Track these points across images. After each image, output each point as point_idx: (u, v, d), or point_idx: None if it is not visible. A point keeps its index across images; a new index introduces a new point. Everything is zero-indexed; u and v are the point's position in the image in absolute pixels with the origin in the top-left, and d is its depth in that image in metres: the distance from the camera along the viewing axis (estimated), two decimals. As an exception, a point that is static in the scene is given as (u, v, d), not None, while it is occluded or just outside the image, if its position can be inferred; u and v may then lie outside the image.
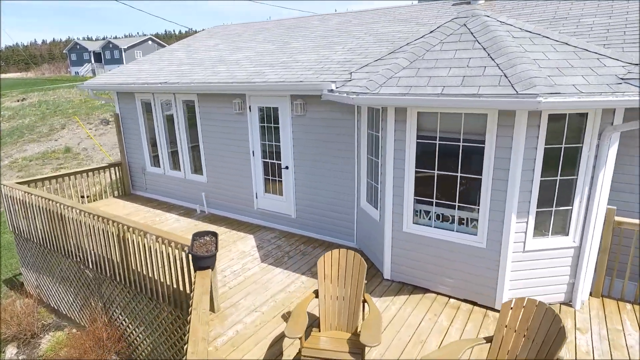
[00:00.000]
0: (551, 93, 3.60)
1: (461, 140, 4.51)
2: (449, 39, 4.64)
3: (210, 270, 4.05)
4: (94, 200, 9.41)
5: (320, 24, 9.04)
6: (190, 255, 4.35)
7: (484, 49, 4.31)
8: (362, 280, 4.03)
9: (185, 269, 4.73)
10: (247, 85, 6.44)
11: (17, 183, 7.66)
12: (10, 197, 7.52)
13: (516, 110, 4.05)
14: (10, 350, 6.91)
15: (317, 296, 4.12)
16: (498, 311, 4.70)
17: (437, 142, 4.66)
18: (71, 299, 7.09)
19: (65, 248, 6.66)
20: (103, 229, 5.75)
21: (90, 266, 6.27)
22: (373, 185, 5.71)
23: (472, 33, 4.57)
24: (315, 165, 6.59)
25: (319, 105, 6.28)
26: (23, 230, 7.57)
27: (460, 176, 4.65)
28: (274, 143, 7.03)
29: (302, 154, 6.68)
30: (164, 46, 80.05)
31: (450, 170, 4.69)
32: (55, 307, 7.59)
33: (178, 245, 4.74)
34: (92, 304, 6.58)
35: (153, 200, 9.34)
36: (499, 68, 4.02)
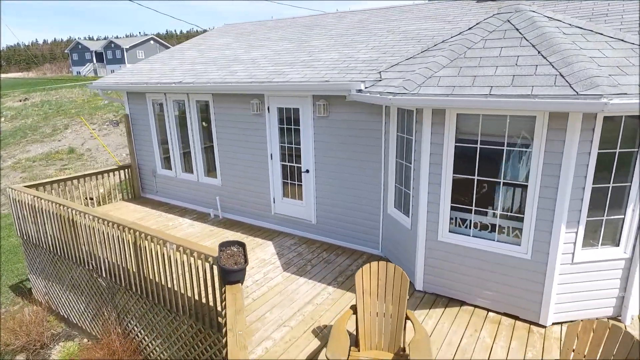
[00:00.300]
0: (617, 94, 3.31)
1: (505, 144, 4.22)
2: (493, 36, 4.34)
3: (240, 284, 3.76)
4: (102, 204, 9.12)
5: (337, 22, 8.75)
6: (217, 268, 4.06)
7: (533, 46, 4.01)
8: (405, 296, 3.74)
9: (209, 281, 4.44)
10: (268, 85, 6.15)
11: (25, 186, 7.38)
12: (18, 201, 7.24)
13: (569, 113, 3.76)
14: (19, 362, 6.62)
15: (354, 312, 3.83)
16: (543, 327, 4.41)
17: (478, 145, 4.36)
18: (82, 308, 6.80)
19: (77, 255, 6.37)
20: (118, 236, 5.46)
21: (104, 275, 5.98)
22: (403, 191, 5.42)
23: (517, 29, 4.27)
24: (338, 169, 6.30)
25: (343, 106, 5.99)
26: (32, 235, 7.28)
27: (503, 182, 4.36)
28: (293, 145, 6.74)
29: (324, 157, 6.39)
30: (167, 46, 79.82)
31: (491, 176, 4.40)
32: (65, 316, 7.30)
33: (201, 256, 4.45)
34: (105, 313, 6.29)
35: (164, 203, 9.05)
36: (553, 67, 3.72)
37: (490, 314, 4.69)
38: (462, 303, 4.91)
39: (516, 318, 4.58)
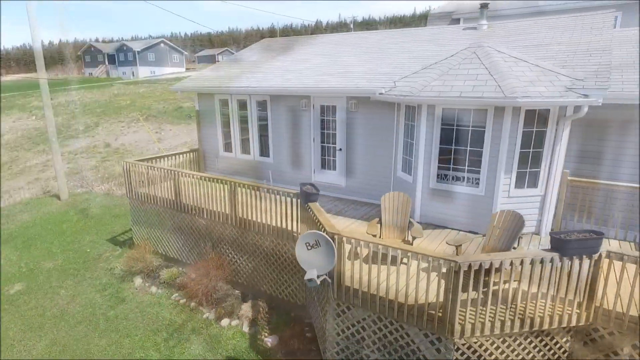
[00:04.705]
0: (524, 96, 6.18)
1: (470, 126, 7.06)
2: (464, 62, 7.23)
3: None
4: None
5: (361, 42, 11.63)
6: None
7: (487, 68, 6.89)
8: (408, 211, 6.58)
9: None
10: (313, 89, 9.02)
11: (137, 161, 10.20)
12: (133, 171, 10.05)
13: (505, 107, 6.63)
14: (137, 280, 9.43)
15: (379, 222, 6.66)
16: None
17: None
18: (179, 244, 9.62)
19: (181, 205, 9.18)
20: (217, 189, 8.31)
21: (205, 215, 8.81)
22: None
23: (479, 58, 7.16)
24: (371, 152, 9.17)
25: (368, 105, 8.87)
26: (140, 195, 10.09)
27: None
28: (329, 131, 9.60)
29: (351, 142, 9.26)
30: (176, 49, 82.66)
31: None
32: (163, 252, 10.11)
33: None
34: (201, 244, 9.11)
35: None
36: (495, 81, 6.60)
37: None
38: None
39: (478, 234, 7.43)
